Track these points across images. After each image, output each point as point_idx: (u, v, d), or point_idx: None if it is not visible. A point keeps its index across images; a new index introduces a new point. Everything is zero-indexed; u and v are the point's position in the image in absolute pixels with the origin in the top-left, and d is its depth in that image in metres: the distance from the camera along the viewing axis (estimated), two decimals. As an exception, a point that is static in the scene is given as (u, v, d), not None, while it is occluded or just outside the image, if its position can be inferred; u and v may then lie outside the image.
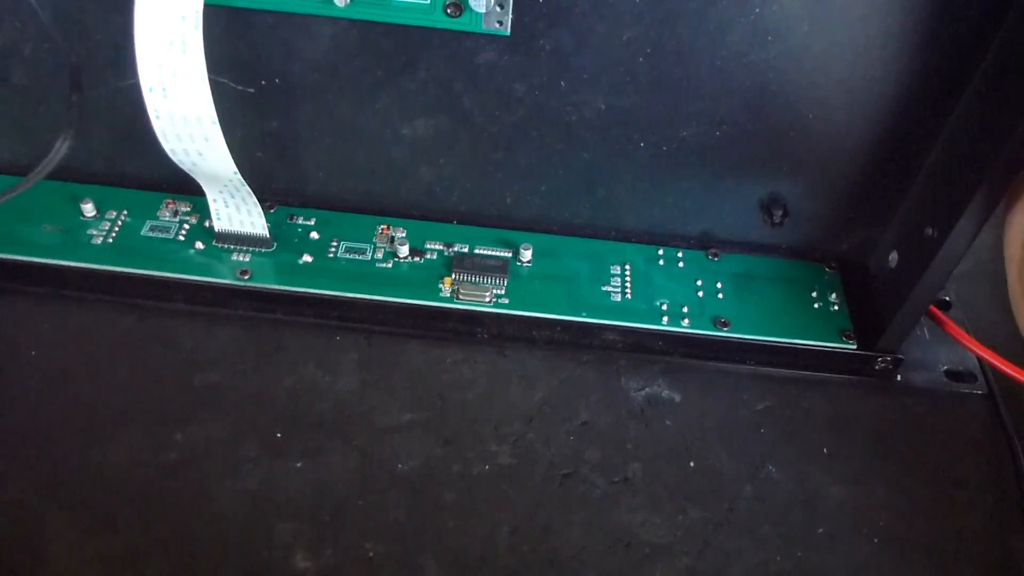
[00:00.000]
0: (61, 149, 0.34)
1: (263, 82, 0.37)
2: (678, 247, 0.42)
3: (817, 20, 0.33)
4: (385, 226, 0.41)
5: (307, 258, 0.40)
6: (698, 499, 0.35)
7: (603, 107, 0.37)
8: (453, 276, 0.39)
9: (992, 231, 0.33)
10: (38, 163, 0.41)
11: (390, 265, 0.40)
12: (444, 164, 0.40)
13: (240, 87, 0.37)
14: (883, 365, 0.39)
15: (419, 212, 0.42)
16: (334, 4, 0.34)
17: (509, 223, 0.42)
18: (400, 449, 0.35)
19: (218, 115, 0.33)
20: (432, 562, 0.32)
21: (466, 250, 0.41)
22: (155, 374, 0.37)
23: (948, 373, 0.40)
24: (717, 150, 0.38)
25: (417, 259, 0.40)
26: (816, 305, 0.40)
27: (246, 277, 0.39)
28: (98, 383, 0.36)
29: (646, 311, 0.39)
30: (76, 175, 0.42)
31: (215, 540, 0.32)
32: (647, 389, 0.38)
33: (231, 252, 0.40)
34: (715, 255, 0.42)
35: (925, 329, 0.41)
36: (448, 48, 0.35)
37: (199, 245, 0.40)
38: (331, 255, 0.40)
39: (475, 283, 0.39)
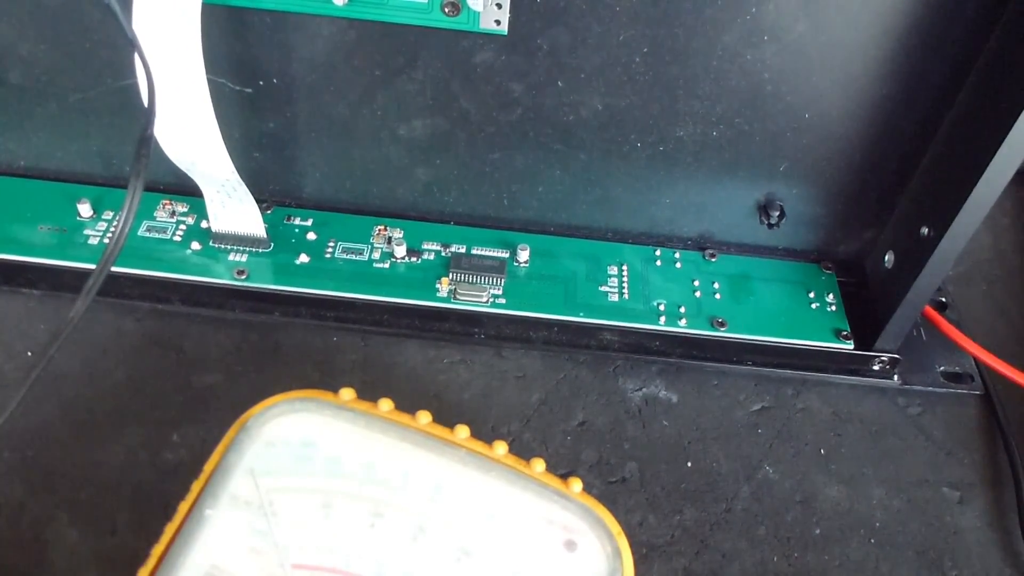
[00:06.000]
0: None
1: (261, 82, 0.37)
2: (675, 248, 0.42)
3: (813, 20, 0.33)
4: (382, 226, 0.41)
5: (304, 258, 0.40)
6: (695, 499, 0.35)
7: (600, 107, 0.37)
8: (450, 276, 0.39)
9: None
10: (36, 163, 0.42)
11: (387, 266, 0.40)
12: (441, 164, 0.40)
13: (238, 87, 0.37)
14: (880, 365, 0.39)
15: (416, 212, 0.42)
16: (332, 3, 0.34)
17: (506, 223, 0.42)
18: (397, 449, 0.35)
19: (216, 115, 0.33)
20: (429, 562, 0.32)
21: (463, 250, 0.41)
22: (152, 375, 0.37)
23: (945, 374, 0.40)
24: (714, 150, 0.38)
25: (414, 259, 0.40)
26: (813, 306, 0.40)
27: (243, 277, 0.39)
28: (96, 384, 0.36)
29: (643, 311, 0.39)
30: (73, 175, 0.42)
31: (212, 540, 0.32)
32: (644, 389, 0.38)
33: (228, 252, 0.40)
34: (712, 256, 0.42)
35: (922, 330, 0.41)
36: (445, 48, 0.35)
37: (196, 245, 0.40)
38: (328, 255, 0.40)
39: (472, 283, 0.39)
